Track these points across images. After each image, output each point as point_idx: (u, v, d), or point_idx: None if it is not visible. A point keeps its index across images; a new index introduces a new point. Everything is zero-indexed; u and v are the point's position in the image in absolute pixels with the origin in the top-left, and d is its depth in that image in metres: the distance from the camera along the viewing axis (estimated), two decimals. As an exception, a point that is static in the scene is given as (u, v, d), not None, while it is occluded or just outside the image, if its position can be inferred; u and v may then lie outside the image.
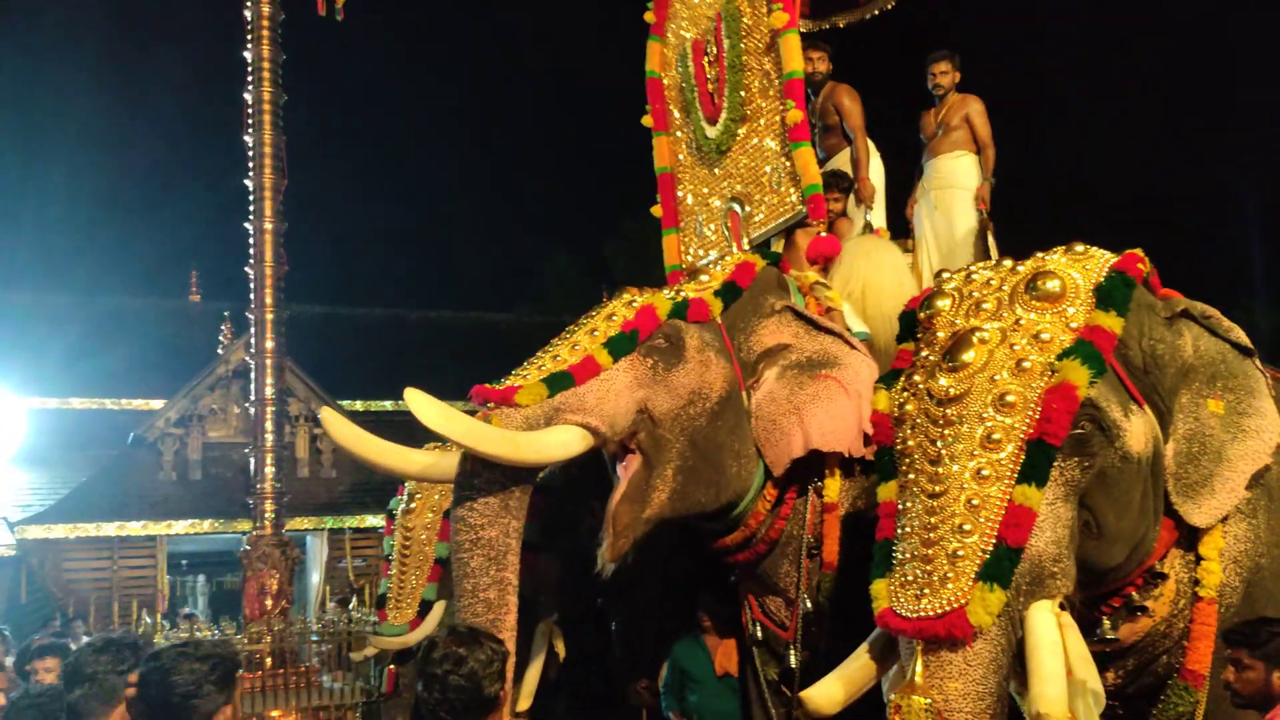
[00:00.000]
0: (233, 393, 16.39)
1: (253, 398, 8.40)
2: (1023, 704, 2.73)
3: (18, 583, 14.99)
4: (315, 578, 16.67)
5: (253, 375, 8.38)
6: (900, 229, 6.45)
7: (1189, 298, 3.42)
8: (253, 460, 8.42)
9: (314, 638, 8.19)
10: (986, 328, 2.95)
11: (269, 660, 7.85)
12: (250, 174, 8.23)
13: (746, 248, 5.45)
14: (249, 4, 8.20)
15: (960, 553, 2.66)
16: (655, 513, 3.85)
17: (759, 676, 4.50)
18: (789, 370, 4.14)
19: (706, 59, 5.83)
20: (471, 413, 3.74)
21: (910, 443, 2.93)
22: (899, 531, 2.85)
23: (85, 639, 10.73)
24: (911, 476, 2.87)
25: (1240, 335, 3.34)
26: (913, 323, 3.24)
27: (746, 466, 4.08)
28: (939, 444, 2.84)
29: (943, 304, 3.14)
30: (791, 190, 5.22)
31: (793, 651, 4.26)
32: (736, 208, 5.62)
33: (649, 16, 6.28)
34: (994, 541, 2.66)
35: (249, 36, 8.23)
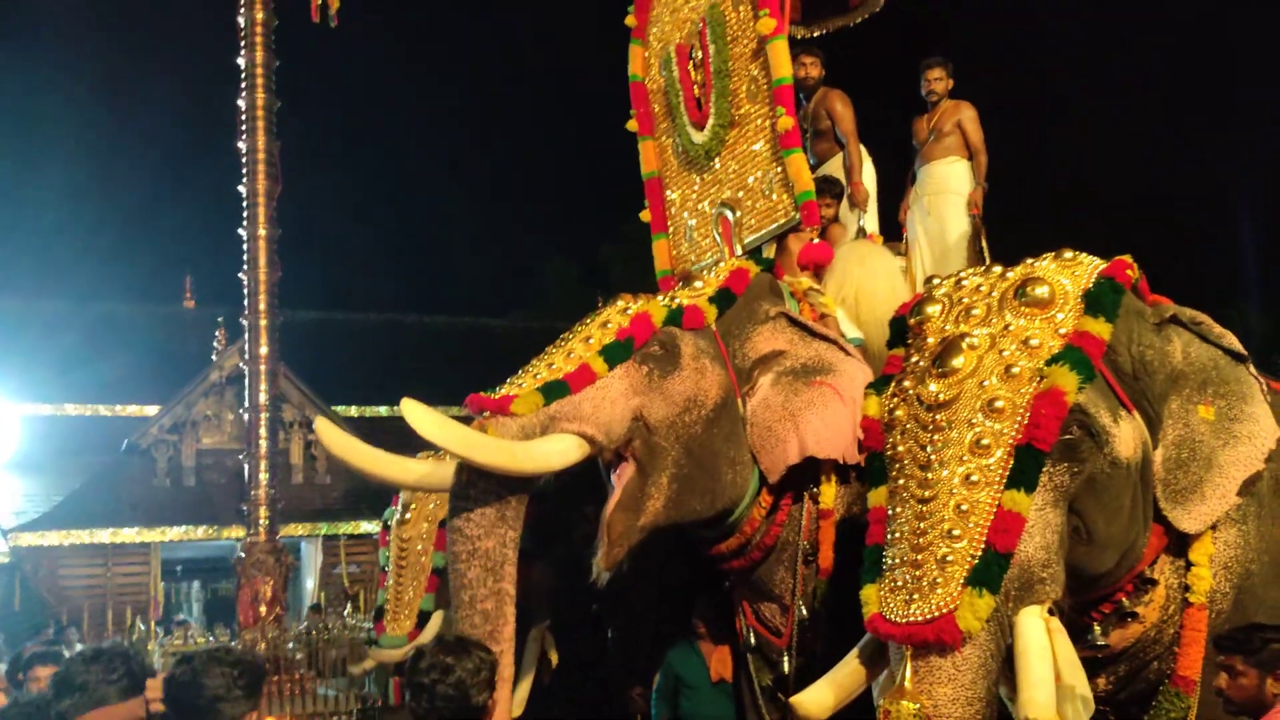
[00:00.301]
0: (226, 399, 16.38)
1: (247, 404, 8.39)
2: (1012, 709, 2.73)
3: (11, 590, 14.96)
4: (310, 584, 16.65)
5: (247, 381, 8.37)
6: (893, 234, 6.47)
7: (1186, 300, 3.42)
8: (247, 466, 8.42)
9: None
10: (976, 333, 2.96)
11: (266, 667, 7.83)
12: (244, 180, 8.23)
13: (739, 254, 5.45)
14: (243, 10, 8.21)
15: (949, 558, 2.67)
16: (650, 521, 3.84)
17: (753, 683, 4.50)
18: (784, 377, 4.14)
19: (691, 63, 5.84)
20: (467, 420, 3.74)
21: (900, 448, 2.93)
22: (889, 537, 2.85)
23: (79, 646, 10.70)
24: (901, 482, 2.88)
25: (1232, 341, 3.34)
26: (903, 328, 3.24)
27: (742, 473, 4.08)
28: (928, 449, 2.84)
29: (933, 310, 3.14)
30: (784, 196, 5.23)
31: (787, 658, 4.26)
32: (727, 213, 5.63)
33: (630, 20, 6.28)
34: (983, 547, 2.66)
35: (242, 42, 8.23)
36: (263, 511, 8.30)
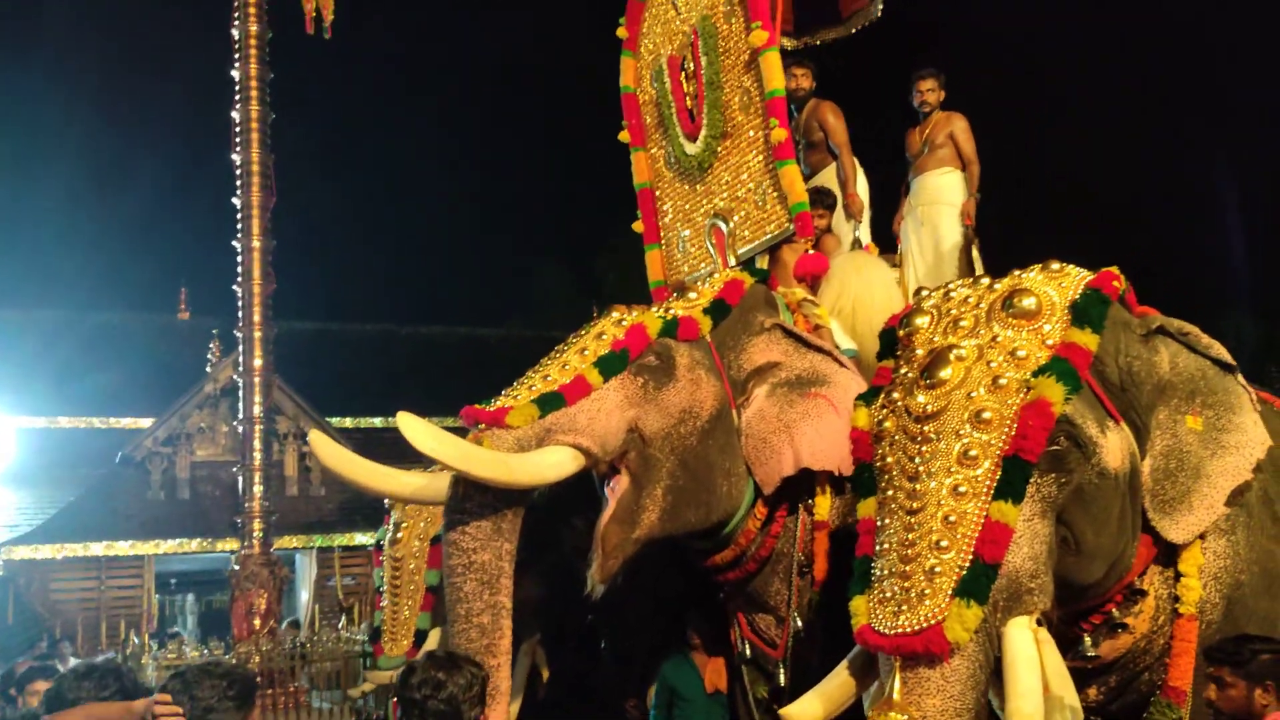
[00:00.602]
0: (221, 411, 16.35)
1: (241, 416, 8.38)
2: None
3: (4, 604, 14.90)
4: (304, 596, 16.60)
5: (241, 393, 8.37)
6: (887, 245, 6.49)
7: (1182, 309, 3.43)
8: (241, 479, 8.41)
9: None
10: (964, 345, 2.97)
11: (258, 679, 7.80)
12: (239, 192, 8.24)
13: (733, 265, 5.46)
14: (237, 23, 8.22)
15: (937, 569, 2.67)
16: (645, 533, 3.84)
17: (748, 695, 4.49)
18: (779, 388, 4.15)
19: (684, 75, 5.86)
20: (462, 432, 3.74)
21: (889, 459, 2.94)
22: (878, 548, 2.86)
23: (73, 660, 10.65)
24: (890, 493, 2.89)
25: (1220, 351, 3.34)
26: (893, 340, 3.26)
27: (737, 485, 4.08)
28: (917, 460, 2.85)
29: (921, 321, 3.15)
30: (778, 207, 5.24)
31: (783, 669, 4.25)
32: (720, 224, 5.64)
33: (621, 32, 6.30)
34: (971, 558, 2.67)
35: (237, 55, 8.24)
36: (257, 524, 8.30)
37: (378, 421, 17.36)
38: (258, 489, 8.26)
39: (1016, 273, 3.21)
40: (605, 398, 3.81)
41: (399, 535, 5.97)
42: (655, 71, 6.07)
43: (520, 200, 35.32)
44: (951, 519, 2.72)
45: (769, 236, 5.33)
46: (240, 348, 8.40)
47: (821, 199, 5.92)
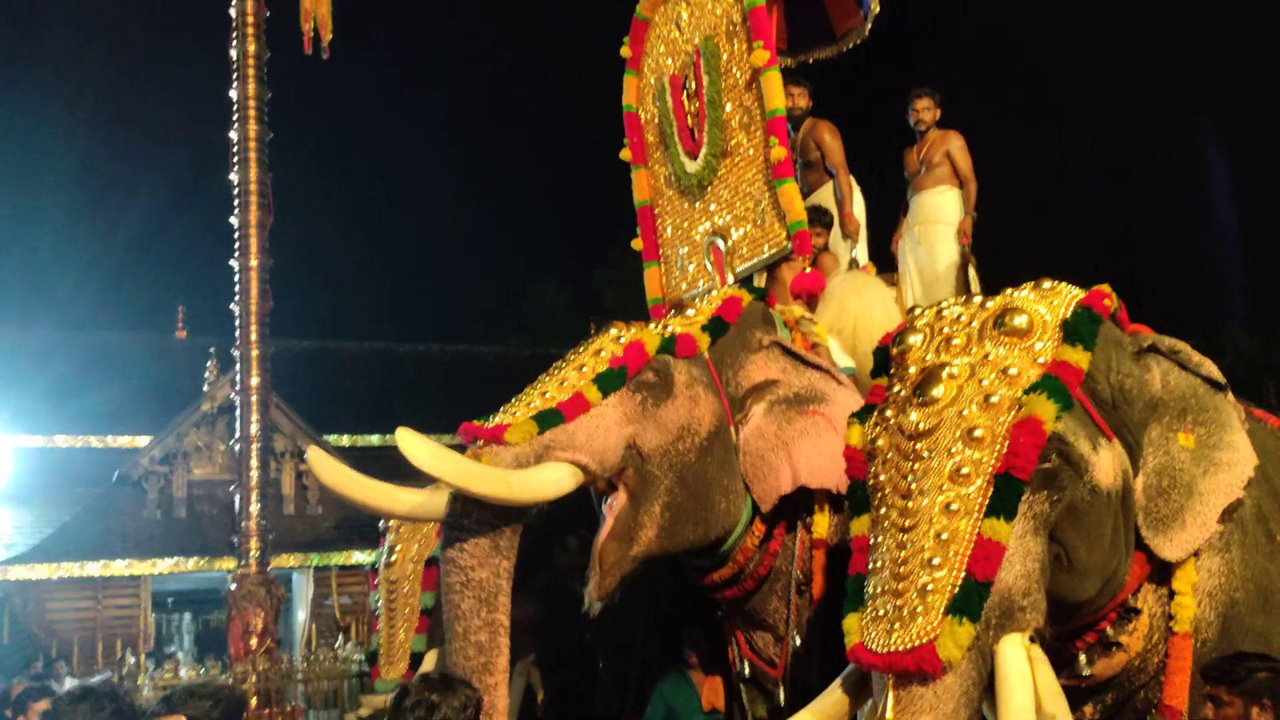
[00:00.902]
0: (218, 430, 16.33)
1: (238, 435, 8.36)
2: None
3: (0, 624, 14.83)
4: (301, 615, 16.54)
5: (238, 412, 8.34)
6: (884, 263, 6.51)
7: (1177, 323, 3.44)
8: (237, 498, 8.37)
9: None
10: (956, 363, 2.98)
11: (254, 700, 7.76)
12: (236, 211, 8.23)
13: (730, 282, 5.48)
14: (235, 43, 8.25)
15: (930, 587, 2.67)
16: (643, 550, 3.84)
17: (746, 714, 4.48)
18: (777, 406, 4.15)
19: (685, 94, 5.90)
20: (460, 449, 3.74)
21: (882, 477, 2.94)
22: (871, 566, 2.86)
23: (69, 680, 10.60)
24: (883, 511, 2.89)
25: (1211, 369, 3.35)
26: (886, 358, 3.26)
27: (735, 502, 4.08)
28: (909, 478, 2.85)
29: (914, 339, 3.16)
30: (776, 226, 5.27)
31: (782, 688, 4.24)
32: (719, 242, 5.66)
33: (625, 51, 6.35)
34: (963, 575, 2.66)
35: (235, 75, 8.26)
36: (254, 543, 8.23)
37: (375, 439, 17.34)
38: (255, 508, 8.19)
39: (1008, 291, 3.22)
40: (604, 414, 3.81)
41: (393, 558, 5.96)
42: (658, 90, 6.12)
43: (518, 218, 35.42)
44: (944, 536, 2.72)
45: (767, 255, 5.35)
46: (237, 366, 8.38)
47: (818, 217, 5.95)
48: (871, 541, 2.90)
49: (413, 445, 3.43)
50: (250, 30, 7.89)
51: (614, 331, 4.22)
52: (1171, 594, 3.27)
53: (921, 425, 2.89)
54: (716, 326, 4.32)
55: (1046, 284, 3.21)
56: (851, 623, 2.81)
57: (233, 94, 8.28)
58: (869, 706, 2.82)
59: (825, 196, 6.36)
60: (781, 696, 4.25)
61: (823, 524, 4.12)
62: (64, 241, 28.32)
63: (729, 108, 5.57)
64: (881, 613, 2.72)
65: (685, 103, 5.88)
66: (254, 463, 8.17)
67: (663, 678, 4.89)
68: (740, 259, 5.53)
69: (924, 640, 2.60)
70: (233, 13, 7.79)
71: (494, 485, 3.54)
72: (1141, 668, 3.32)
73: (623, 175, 6.43)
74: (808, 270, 5.39)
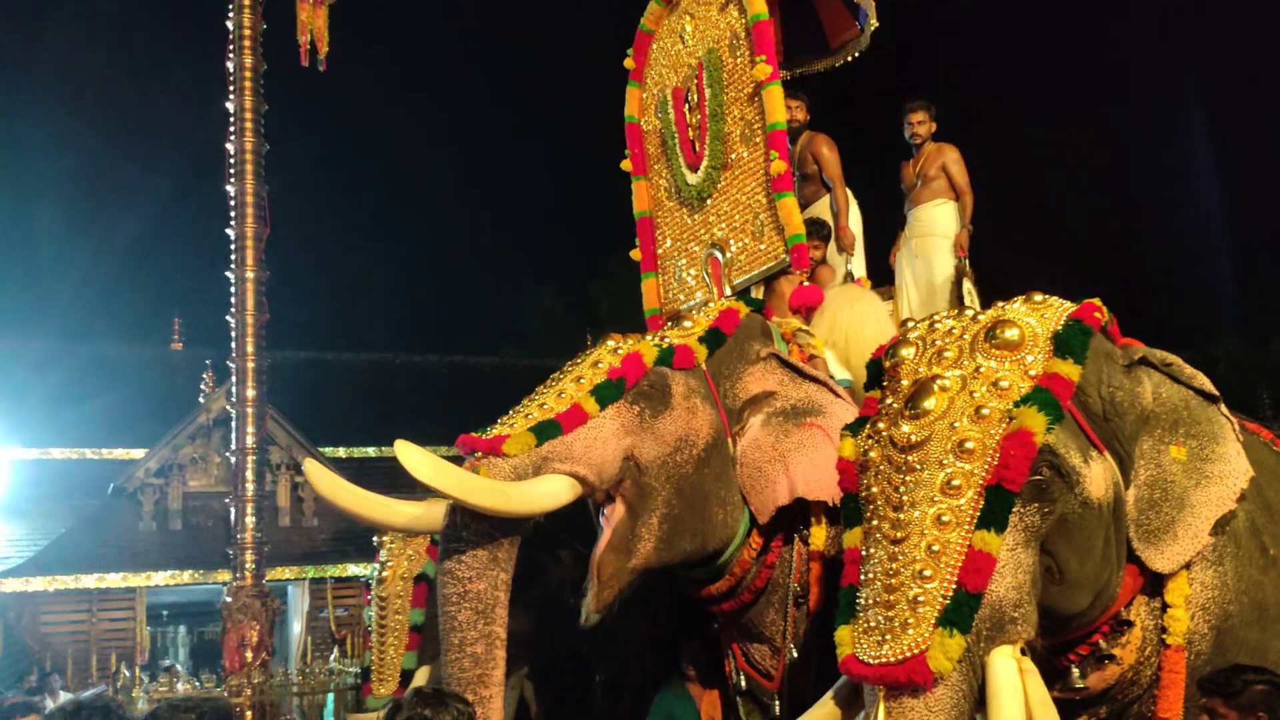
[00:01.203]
0: (214, 441, 16.29)
1: (234, 446, 8.34)
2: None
3: (-6, 637, 14.78)
4: (296, 627, 16.48)
5: (234, 424, 8.32)
6: (881, 277, 6.53)
7: (1171, 334, 3.45)
8: (233, 510, 8.35)
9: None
10: (948, 375, 2.99)
11: (249, 714, 7.73)
12: (233, 223, 8.23)
13: (729, 294, 5.49)
14: (231, 55, 8.26)
15: (921, 598, 2.68)
16: (641, 562, 3.83)
17: (744, 726, 4.47)
18: (774, 418, 4.16)
19: (687, 106, 5.92)
20: (458, 460, 3.73)
21: (874, 489, 2.94)
22: (862, 577, 2.86)
23: (63, 694, 10.54)
24: (875, 523, 2.89)
25: (1204, 382, 3.36)
26: (879, 371, 3.27)
27: (732, 514, 4.08)
28: (901, 490, 2.86)
29: (907, 352, 3.17)
30: (775, 239, 5.28)
31: (779, 701, 4.23)
32: (717, 254, 5.68)
33: (629, 63, 6.38)
34: (954, 587, 2.67)
35: (231, 88, 8.28)
36: (249, 555, 8.19)
37: (371, 451, 17.33)
38: (250, 520, 8.16)
39: (1000, 304, 3.24)
40: (601, 426, 3.82)
41: (384, 574, 5.95)
42: (660, 102, 6.15)
43: (514, 229, 35.47)
44: (935, 548, 2.72)
45: (765, 267, 5.36)
46: (233, 378, 8.37)
47: (816, 230, 5.97)
48: (863, 553, 2.90)
49: (412, 457, 3.42)
50: (247, 43, 7.89)
51: (611, 343, 4.22)
52: (1164, 607, 3.27)
53: (913, 437, 2.89)
54: (714, 338, 4.33)
55: (1038, 297, 3.22)
56: (843, 634, 2.81)
57: (229, 106, 8.29)
58: (860, 718, 2.82)
59: (822, 209, 6.38)
60: (778, 709, 4.24)
61: (820, 536, 4.12)
62: (60, 253, 28.36)
63: (730, 121, 5.59)
64: (873, 624, 2.72)
65: (687, 115, 5.91)
66: (249, 475, 8.13)
67: (661, 691, 4.87)
68: (738, 271, 5.54)
69: (915, 652, 2.61)
70: (230, 25, 7.80)
71: (493, 497, 3.54)
72: (1135, 680, 3.32)
73: (621, 186, 6.45)
74: (805, 284, 5.40)
